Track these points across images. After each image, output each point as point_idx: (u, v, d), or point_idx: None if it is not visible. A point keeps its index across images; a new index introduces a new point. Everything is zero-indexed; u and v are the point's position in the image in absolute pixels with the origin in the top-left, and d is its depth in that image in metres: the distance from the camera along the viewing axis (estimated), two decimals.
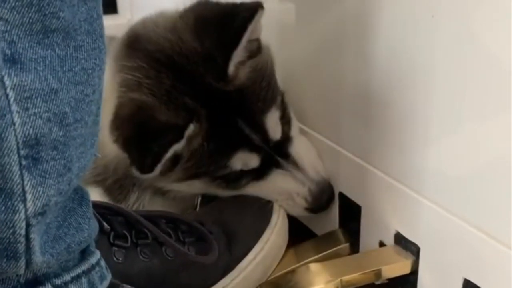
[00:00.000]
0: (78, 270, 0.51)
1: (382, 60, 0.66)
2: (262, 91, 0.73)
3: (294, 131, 0.80)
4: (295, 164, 0.76)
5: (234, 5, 0.71)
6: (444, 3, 0.55)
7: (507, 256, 0.52)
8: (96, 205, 0.66)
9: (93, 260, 0.53)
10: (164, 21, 0.76)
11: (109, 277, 0.54)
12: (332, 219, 0.79)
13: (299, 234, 0.80)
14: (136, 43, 0.75)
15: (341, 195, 0.77)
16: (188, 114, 0.69)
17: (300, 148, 0.78)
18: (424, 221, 0.63)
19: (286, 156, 0.76)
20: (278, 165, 0.76)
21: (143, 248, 0.66)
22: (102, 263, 0.54)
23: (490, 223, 0.54)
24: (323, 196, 0.77)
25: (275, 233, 0.75)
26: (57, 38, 0.43)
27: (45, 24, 0.42)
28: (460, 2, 0.53)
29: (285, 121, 0.77)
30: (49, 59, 0.43)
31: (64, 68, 0.44)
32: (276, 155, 0.75)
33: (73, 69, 0.45)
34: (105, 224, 0.64)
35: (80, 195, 0.53)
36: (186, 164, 0.73)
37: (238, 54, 0.70)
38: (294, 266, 0.73)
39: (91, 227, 0.52)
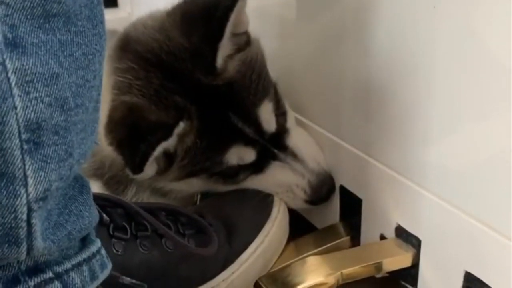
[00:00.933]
0: (79, 258, 0.51)
1: (382, 53, 0.65)
2: (253, 84, 0.73)
3: (290, 123, 0.79)
4: (294, 156, 0.76)
5: None
6: None
7: (508, 249, 0.52)
8: (96, 197, 0.65)
9: (94, 248, 0.53)
10: (153, 21, 0.76)
11: (109, 265, 0.54)
12: (332, 212, 0.79)
13: (299, 228, 0.80)
14: (126, 45, 0.75)
15: (342, 188, 0.77)
16: (178, 112, 0.69)
17: (298, 139, 0.78)
18: (425, 214, 0.63)
19: (284, 148, 0.76)
20: (275, 158, 0.75)
21: (142, 240, 0.66)
22: (103, 251, 0.54)
23: (491, 216, 0.54)
24: (323, 187, 0.77)
25: (276, 226, 0.75)
26: (58, 23, 0.43)
27: (46, 9, 0.42)
28: None
29: (280, 112, 0.77)
30: (50, 43, 0.43)
31: (65, 53, 0.44)
32: (273, 147, 0.75)
33: (74, 54, 0.45)
34: (104, 216, 0.64)
35: (80, 183, 0.53)
36: (182, 163, 0.73)
37: (224, 46, 0.70)
38: (294, 260, 0.72)
39: (91, 214, 0.52)
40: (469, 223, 0.56)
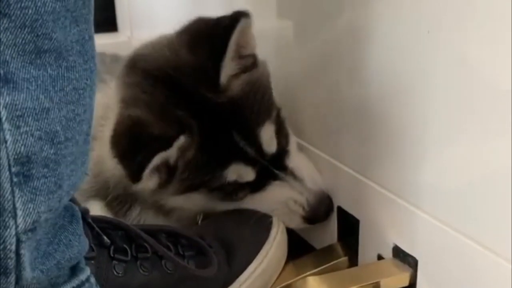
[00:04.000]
0: (68, 287, 0.51)
1: (378, 77, 0.66)
2: (256, 104, 0.74)
3: (292, 146, 0.80)
4: (293, 176, 0.77)
5: (222, 16, 0.73)
6: (440, 18, 0.56)
7: (505, 269, 0.53)
8: (97, 219, 0.66)
9: (83, 276, 0.53)
10: (162, 41, 0.78)
11: None
12: (330, 232, 0.80)
13: (298, 248, 0.81)
14: (136, 62, 0.78)
15: (340, 209, 0.77)
16: (180, 126, 0.70)
17: (298, 161, 0.79)
18: (422, 234, 0.63)
19: (283, 168, 0.77)
20: (275, 177, 0.76)
21: (143, 262, 0.66)
22: (92, 279, 0.54)
23: (487, 236, 0.55)
24: (321, 206, 0.78)
25: (275, 247, 0.75)
26: (49, 59, 0.44)
27: (38, 45, 0.43)
28: (455, 17, 0.54)
29: (282, 135, 0.78)
30: (41, 78, 0.44)
31: (56, 88, 0.45)
32: (273, 167, 0.76)
33: (65, 89, 0.46)
34: (105, 238, 0.65)
35: (70, 212, 0.53)
36: (182, 175, 0.73)
37: (228, 65, 0.72)
38: (293, 280, 0.73)
39: (81, 244, 0.53)
40: (465, 244, 0.57)
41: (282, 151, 0.78)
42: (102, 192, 0.82)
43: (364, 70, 0.68)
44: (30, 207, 0.44)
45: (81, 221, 0.54)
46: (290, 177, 0.77)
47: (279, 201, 0.77)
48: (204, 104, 0.72)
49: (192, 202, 0.79)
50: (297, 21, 0.80)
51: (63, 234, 0.51)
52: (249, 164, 0.74)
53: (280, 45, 0.84)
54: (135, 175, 0.69)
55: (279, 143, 0.77)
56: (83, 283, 0.53)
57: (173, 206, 0.80)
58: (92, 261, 0.62)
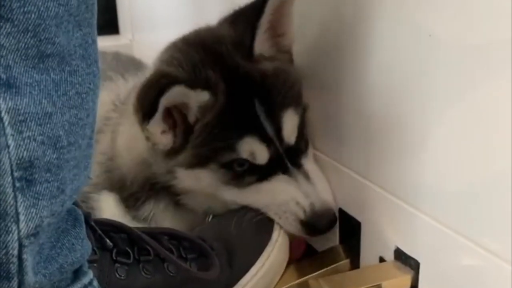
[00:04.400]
0: None
1: (380, 81, 0.67)
2: (285, 88, 0.75)
3: (310, 153, 0.80)
4: (306, 176, 0.76)
5: None
6: (441, 22, 0.56)
7: (506, 271, 0.53)
8: (99, 222, 0.67)
9: (85, 280, 0.53)
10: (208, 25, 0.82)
11: None
12: (332, 235, 0.79)
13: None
14: (178, 40, 0.82)
15: (341, 211, 0.77)
16: (207, 83, 0.72)
17: (315, 168, 0.78)
18: (423, 237, 0.63)
19: (298, 165, 0.76)
20: (286, 171, 0.75)
21: (145, 265, 0.67)
22: (95, 283, 0.55)
23: (488, 238, 0.55)
24: (324, 218, 0.75)
25: (276, 249, 0.75)
26: (52, 63, 0.45)
27: (41, 49, 0.43)
28: (456, 21, 0.54)
29: (303, 134, 0.78)
30: (44, 83, 0.44)
31: (59, 92, 0.45)
32: (287, 159, 0.75)
33: (68, 93, 0.46)
34: (107, 241, 0.65)
35: (74, 216, 0.54)
36: (196, 141, 0.74)
37: (261, 36, 0.75)
38: (295, 282, 0.73)
39: (84, 247, 0.53)
40: (466, 246, 0.57)
41: (300, 149, 0.77)
42: (117, 186, 0.83)
43: (366, 73, 0.68)
44: (33, 212, 0.44)
45: (84, 225, 0.55)
46: (301, 176, 0.75)
47: (282, 198, 0.76)
48: (235, 70, 0.74)
49: (200, 182, 0.77)
50: (298, 24, 0.80)
51: (66, 238, 0.51)
52: (265, 142, 0.73)
53: None
54: (146, 114, 0.69)
55: (298, 139, 0.76)
56: (85, 286, 0.53)
57: (183, 186, 0.80)
58: (95, 264, 0.62)
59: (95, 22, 0.50)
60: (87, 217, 0.65)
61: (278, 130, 0.74)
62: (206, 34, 0.80)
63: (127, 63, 1.20)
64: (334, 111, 0.76)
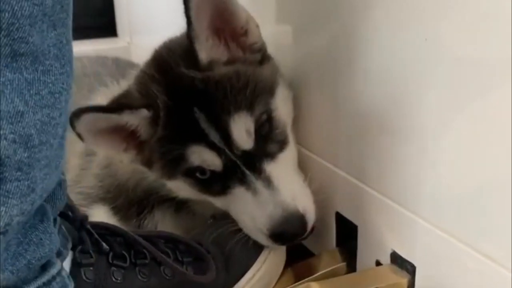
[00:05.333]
0: (39, 282, 0.52)
1: (377, 85, 0.67)
2: (233, 92, 0.71)
3: (285, 156, 0.75)
4: (268, 182, 0.71)
5: None
6: (438, 26, 0.56)
7: (504, 277, 0.53)
8: (96, 226, 0.67)
9: (53, 271, 0.53)
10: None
11: (71, 285, 0.55)
12: (329, 238, 0.80)
13: (296, 253, 0.81)
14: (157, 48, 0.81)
15: (338, 214, 0.77)
16: (150, 99, 0.73)
17: (283, 171, 0.73)
18: (420, 241, 0.63)
19: (258, 171, 0.71)
20: (243, 179, 0.71)
21: (141, 268, 0.67)
22: (64, 272, 0.55)
23: (486, 243, 0.55)
24: (288, 226, 0.70)
25: (273, 253, 0.75)
26: (25, 62, 0.45)
27: (14, 48, 0.44)
28: (453, 25, 0.54)
29: (271, 138, 0.74)
30: (16, 82, 0.44)
31: (31, 91, 0.45)
32: (243, 165, 0.71)
33: (40, 92, 0.46)
34: (104, 244, 0.65)
35: (41, 211, 0.53)
36: (156, 155, 0.75)
37: (200, 36, 0.70)
38: (291, 286, 0.73)
39: (52, 242, 0.53)
40: (463, 250, 0.57)
41: (262, 153, 0.72)
42: (110, 195, 0.83)
43: (363, 78, 0.68)
44: (2, 211, 0.44)
45: (51, 218, 0.54)
46: (260, 184, 0.71)
47: (240, 214, 0.73)
48: (178, 80, 0.72)
49: (186, 191, 0.78)
50: (296, 27, 0.80)
51: (33, 233, 0.51)
52: (214, 149, 0.71)
53: (278, 50, 0.84)
54: (71, 117, 0.67)
55: (260, 143, 0.72)
56: (53, 277, 0.53)
57: (179, 195, 0.81)
58: (91, 268, 0.62)
59: (70, 22, 0.50)
60: (84, 221, 0.65)
61: (227, 136, 0.70)
62: (168, 44, 0.78)
63: (126, 69, 1.21)
64: (331, 114, 0.76)
